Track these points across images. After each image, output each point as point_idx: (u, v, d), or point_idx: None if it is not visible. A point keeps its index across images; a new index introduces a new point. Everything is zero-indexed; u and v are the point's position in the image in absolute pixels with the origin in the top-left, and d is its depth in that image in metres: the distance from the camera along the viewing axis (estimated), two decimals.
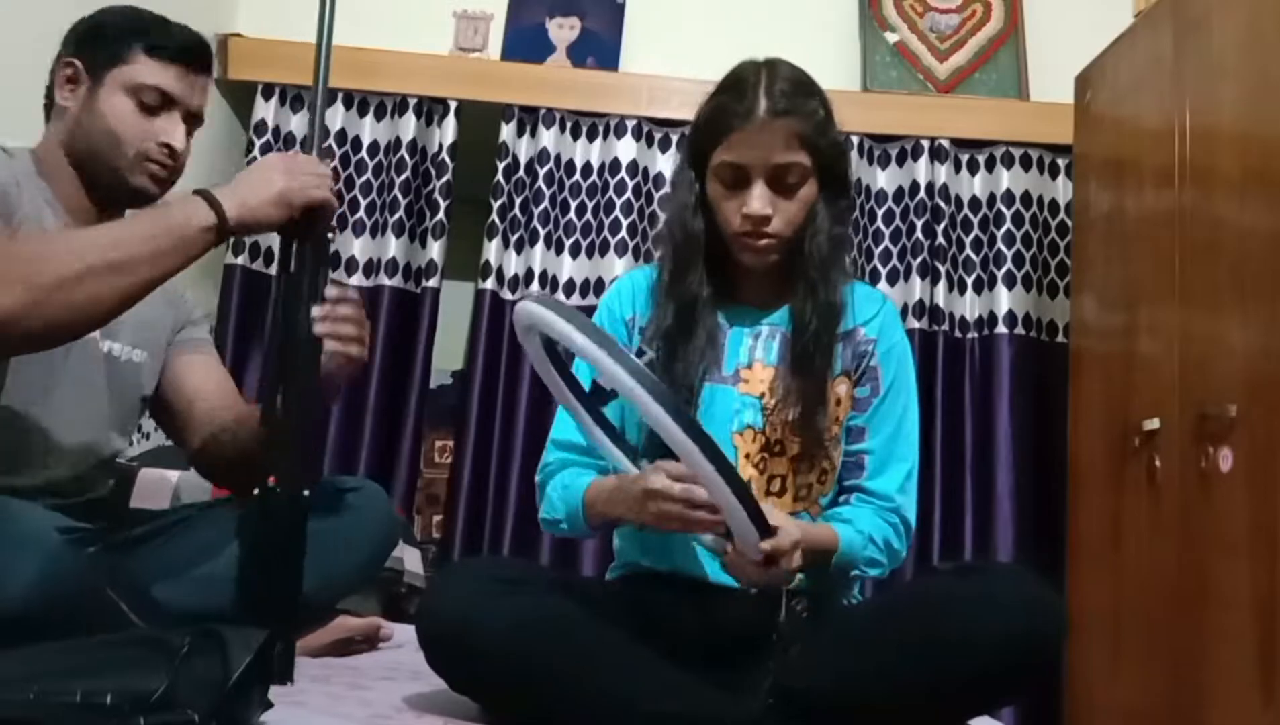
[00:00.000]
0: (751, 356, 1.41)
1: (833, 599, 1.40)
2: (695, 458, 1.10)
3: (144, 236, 1.27)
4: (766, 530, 1.17)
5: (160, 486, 2.09)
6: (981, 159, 3.13)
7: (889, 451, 1.41)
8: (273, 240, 3.11)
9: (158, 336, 1.66)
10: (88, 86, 1.54)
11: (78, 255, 1.22)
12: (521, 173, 3.11)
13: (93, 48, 1.55)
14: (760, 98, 1.33)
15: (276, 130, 3.14)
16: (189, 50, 1.55)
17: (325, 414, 2.74)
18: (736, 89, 1.36)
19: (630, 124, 3.13)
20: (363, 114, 3.17)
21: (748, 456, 1.37)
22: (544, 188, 3.11)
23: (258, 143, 3.12)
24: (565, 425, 1.48)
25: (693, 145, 1.42)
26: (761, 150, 1.33)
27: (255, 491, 1.19)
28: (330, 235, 1.39)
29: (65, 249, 1.24)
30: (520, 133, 3.13)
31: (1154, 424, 2.21)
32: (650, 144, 3.16)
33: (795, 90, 1.35)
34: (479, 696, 1.21)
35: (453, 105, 3.13)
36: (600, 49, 3.20)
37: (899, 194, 3.11)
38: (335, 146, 3.13)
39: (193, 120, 1.57)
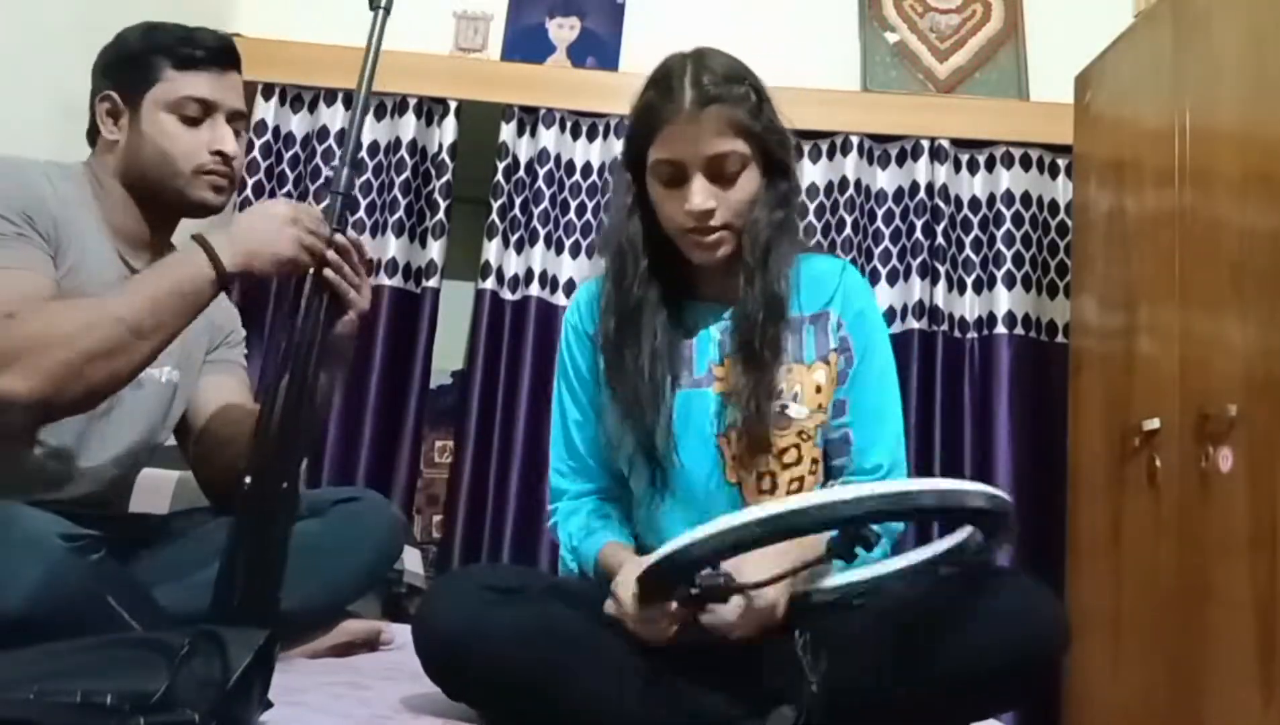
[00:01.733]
0: (721, 353, 1.37)
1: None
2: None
3: (152, 301, 1.27)
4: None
5: (160, 486, 2.09)
6: (981, 159, 3.13)
7: (873, 421, 1.37)
8: None
9: (194, 356, 1.65)
10: (128, 115, 1.53)
11: (92, 330, 1.23)
12: (521, 173, 3.11)
13: (122, 75, 1.55)
14: (686, 89, 1.29)
15: (276, 130, 3.14)
16: (216, 52, 1.56)
17: (324, 421, 2.72)
18: (663, 84, 1.32)
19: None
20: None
21: (735, 458, 1.33)
22: (544, 188, 3.11)
23: (258, 143, 3.12)
24: (560, 449, 1.46)
25: (628, 146, 1.38)
26: (694, 143, 1.29)
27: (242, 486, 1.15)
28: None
29: (81, 324, 1.24)
30: (520, 133, 3.14)
31: (1154, 424, 2.21)
32: None
33: (723, 78, 1.30)
34: (477, 705, 1.20)
35: (453, 105, 3.13)
36: (600, 49, 3.20)
37: (899, 194, 3.11)
38: (335, 146, 3.13)
39: (237, 119, 1.57)
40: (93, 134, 1.59)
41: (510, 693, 1.14)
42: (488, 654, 1.13)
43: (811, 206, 3.08)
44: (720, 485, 1.34)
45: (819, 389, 1.35)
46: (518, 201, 3.10)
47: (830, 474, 1.40)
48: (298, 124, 3.16)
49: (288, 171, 3.14)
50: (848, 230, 3.07)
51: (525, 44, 3.21)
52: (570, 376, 1.45)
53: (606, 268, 1.40)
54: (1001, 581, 1.19)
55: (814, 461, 1.36)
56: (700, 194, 1.29)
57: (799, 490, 1.34)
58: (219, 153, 1.53)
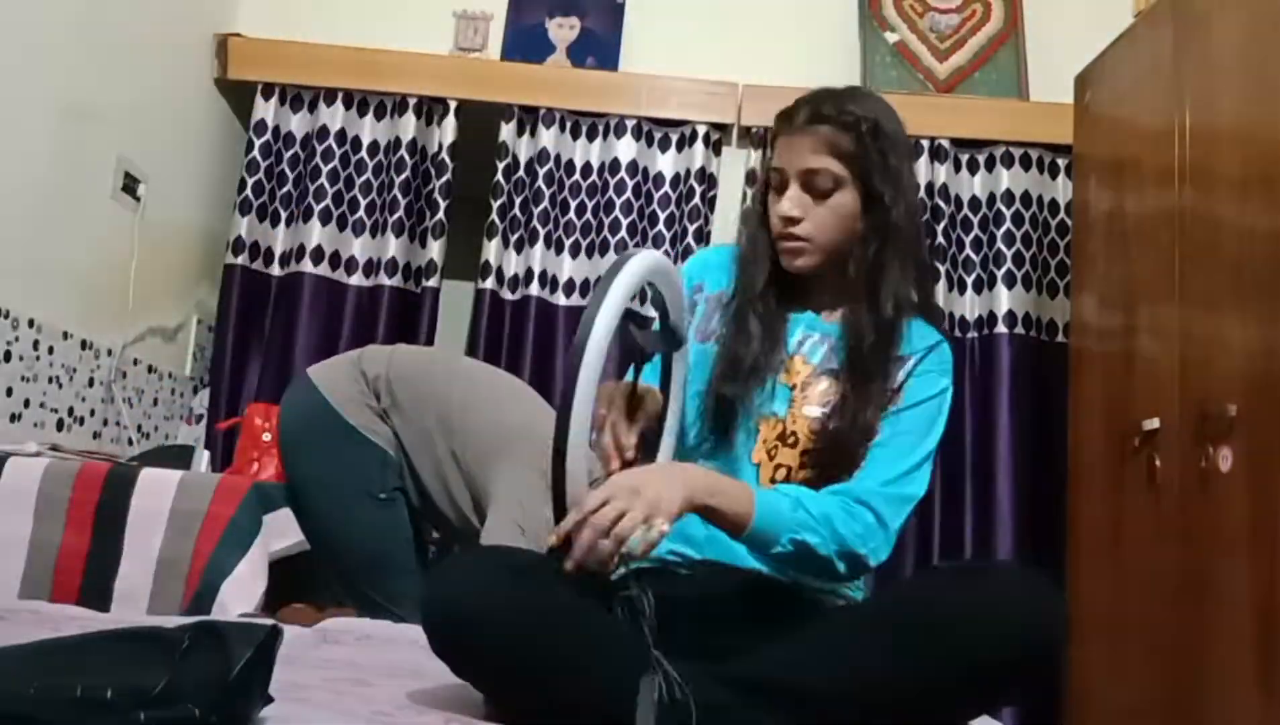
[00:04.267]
0: (798, 350, 1.44)
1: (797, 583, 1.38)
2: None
3: None
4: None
5: (160, 486, 2.09)
6: (981, 159, 3.13)
7: (887, 455, 1.36)
8: (274, 239, 3.12)
9: None
10: None
11: None
12: (521, 172, 3.11)
13: None
14: (804, 107, 1.41)
15: (276, 130, 3.14)
16: None
17: None
18: (796, 102, 1.44)
19: (630, 124, 3.13)
20: (363, 114, 3.17)
21: (763, 441, 1.39)
22: (544, 187, 3.11)
23: (257, 142, 3.12)
24: None
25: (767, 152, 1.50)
26: (795, 154, 1.40)
27: None
28: None
29: None
30: (520, 132, 3.14)
31: (1154, 424, 2.21)
32: (650, 144, 3.16)
33: (845, 103, 1.40)
34: (482, 684, 1.21)
35: (453, 105, 3.13)
36: (600, 49, 3.20)
37: None
38: (335, 146, 3.13)
39: None
40: None
41: (517, 671, 1.15)
42: (496, 631, 1.14)
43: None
44: (746, 462, 1.39)
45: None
46: (518, 201, 3.10)
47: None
48: (297, 124, 3.16)
49: (287, 171, 3.14)
50: None
51: (525, 44, 3.21)
52: None
53: (738, 251, 1.49)
54: (1001, 574, 1.20)
55: (830, 480, 1.37)
56: (789, 201, 1.40)
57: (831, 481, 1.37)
58: None
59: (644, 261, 1.24)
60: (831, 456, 1.36)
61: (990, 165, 3.13)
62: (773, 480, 1.38)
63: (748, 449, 1.39)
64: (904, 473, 1.37)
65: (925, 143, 3.09)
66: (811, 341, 1.45)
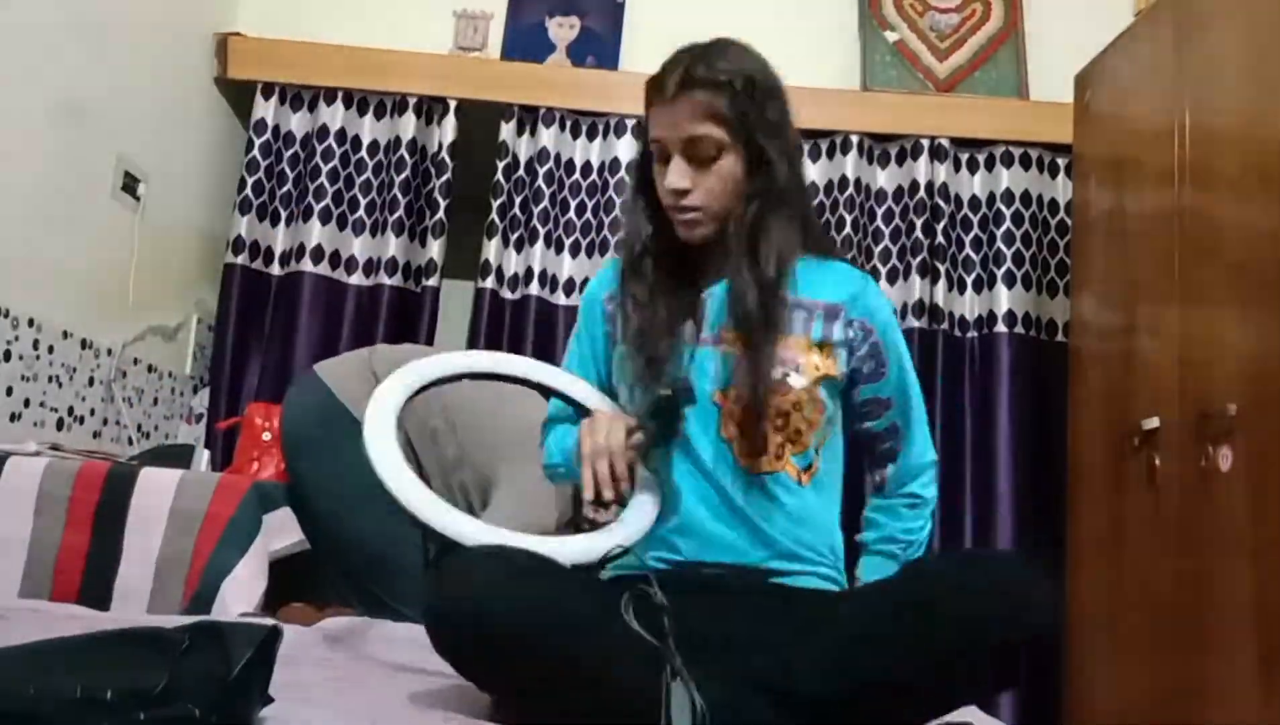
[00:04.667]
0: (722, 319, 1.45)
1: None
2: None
3: None
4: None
5: (160, 486, 2.09)
6: (981, 158, 3.13)
7: (914, 420, 1.50)
8: (274, 239, 3.12)
9: None
10: None
11: None
12: (521, 172, 3.11)
13: None
14: (674, 73, 1.37)
15: (276, 130, 3.14)
16: None
17: None
18: (663, 67, 1.41)
19: (630, 123, 3.13)
20: (362, 113, 3.16)
21: (729, 414, 1.39)
22: (544, 187, 3.11)
23: (257, 142, 3.12)
24: (553, 402, 1.57)
25: (641, 124, 1.47)
26: (673, 124, 1.36)
27: None
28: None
29: None
30: (520, 132, 3.14)
31: (1154, 423, 2.21)
32: None
33: (715, 61, 1.38)
34: (486, 682, 1.21)
35: (452, 104, 3.13)
36: (600, 48, 3.20)
37: (899, 193, 3.11)
38: (335, 145, 3.13)
39: None
40: None
41: (521, 669, 1.15)
42: (500, 629, 1.13)
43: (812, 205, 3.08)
44: (716, 439, 1.39)
45: (817, 367, 1.41)
46: (517, 200, 3.10)
47: (876, 459, 1.52)
48: (297, 123, 3.15)
49: (287, 171, 3.14)
50: (847, 229, 3.07)
51: (525, 43, 3.21)
52: (580, 337, 1.56)
53: (622, 240, 1.48)
54: (997, 559, 1.21)
55: (797, 431, 1.40)
56: (675, 172, 1.37)
57: (782, 455, 1.40)
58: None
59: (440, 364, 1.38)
60: (748, 419, 1.37)
61: (990, 165, 3.13)
62: (748, 452, 1.39)
63: (711, 429, 1.39)
64: (926, 423, 1.52)
65: (925, 142, 3.09)
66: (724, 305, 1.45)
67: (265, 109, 3.14)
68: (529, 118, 3.14)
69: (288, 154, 3.14)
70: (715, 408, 1.39)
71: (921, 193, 3.07)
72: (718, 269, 1.44)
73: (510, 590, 1.15)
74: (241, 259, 3.08)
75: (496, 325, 3.05)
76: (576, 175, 3.13)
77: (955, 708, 1.21)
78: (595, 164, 3.14)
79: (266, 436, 2.45)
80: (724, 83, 1.36)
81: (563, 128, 3.15)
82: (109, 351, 2.67)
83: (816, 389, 1.40)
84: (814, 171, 3.11)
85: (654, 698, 1.11)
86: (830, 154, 3.13)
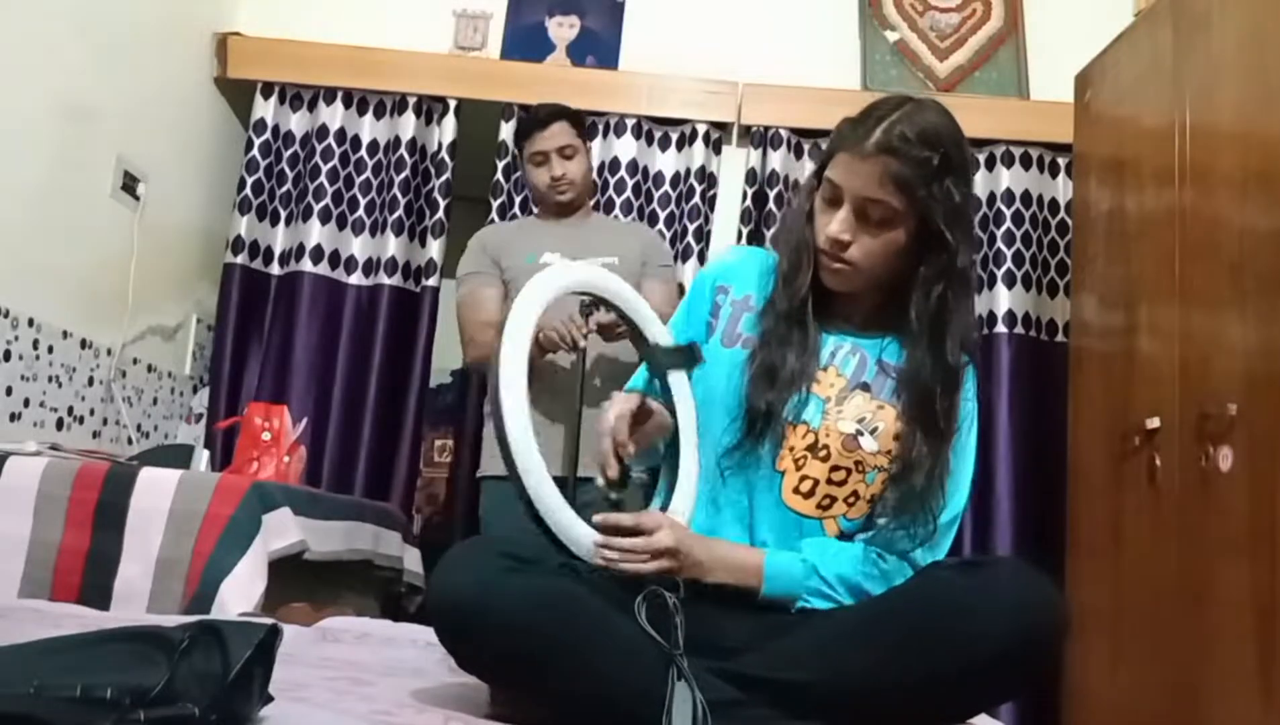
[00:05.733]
0: (830, 361, 1.42)
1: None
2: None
3: None
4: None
5: (160, 486, 2.09)
6: (982, 158, 3.13)
7: (956, 484, 1.39)
8: (274, 239, 3.12)
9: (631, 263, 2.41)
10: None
11: None
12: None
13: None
14: (877, 130, 1.32)
15: (276, 129, 3.14)
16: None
17: None
18: (866, 115, 1.37)
19: (630, 123, 3.13)
20: (362, 112, 3.16)
21: (791, 449, 1.37)
22: None
23: (257, 141, 3.12)
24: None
25: (821, 154, 1.44)
26: (858, 178, 1.33)
27: None
28: None
29: None
30: None
31: (1154, 423, 2.21)
32: (650, 143, 3.15)
33: (916, 135, 1.33)
34: (486, 673, 1.21)
35: (452, 104, 3.13)
36: (600, 48, 3.20)
37: None
38: (335, 145, 3.13)
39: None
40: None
41: (518, 663, 1.15)
42: (498, 621, 1.14)
43: None
44: (770, 468, 1.37)
45: (896, 437, 1.37)
46: (517, 200, 3.10)
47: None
48: (297, 123, 3.16)
49: (287, 170, 3.14)
50: None
51: (525, 42, 3.21)
52: (687, 310, 1.54)
53: (781, 257, 1.45)
54: (999, 569, 1.20)
55: (854, 493, 1.37)
56: (840, 223, 1.34)
57: (829, 507, 1.37)
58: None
59: (560, 275, 1.32)
60: (901, 503, 1.34)
61: (990, 164, 3.13)
62: (796, 491, 1.36)
63: (773, 456, 1.37)
64: (954, 518, 1.39)
65: None
66: (844, 352, 1.42)
67: (265, 109, 3.14)
68: None
69: (287, 154, 3.14)
70: (781, 437, 1.37)
71: None
72: (845, 317, 1.43)
73: (511, 582, 1.16)
74: (241, 259, 3.08)
75: None
76: None
77: (965, 718, 1.21)
78: (595, 164, 3.14)
79: (266, 436, 2.44)
80: (922, 160, 1.31)
81: None
82: (109, 351, 2.67)
83: (885, 459, 1.36)
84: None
85: (652, 694, 1.11)
86: None
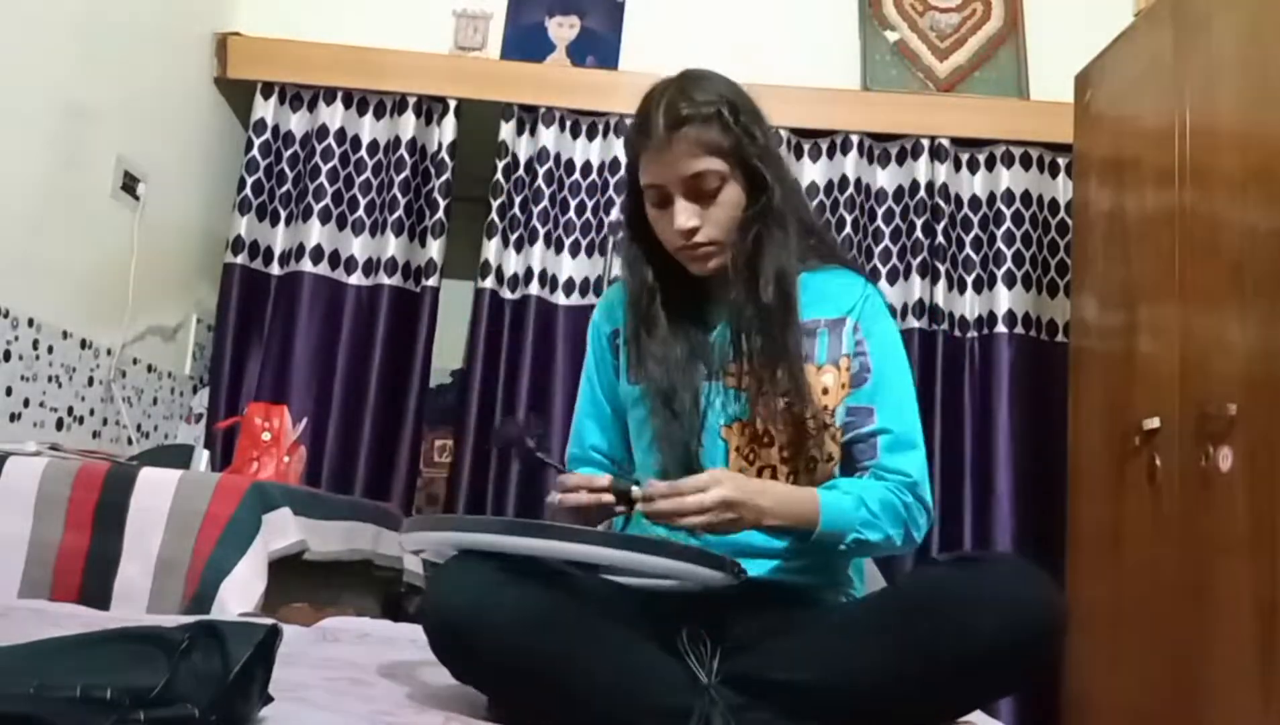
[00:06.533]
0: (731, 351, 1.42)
1: (829, 588, 1.40)
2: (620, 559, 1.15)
3: None
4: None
5: (160, 486, 2.09)
6: (981, 158, 3.13)
7: (902, 432, 1.40)
8: (274, 239, 3.12)
9: None
10: None
11: None
12: (521, 171, 3.11)
13: None
14: (659, 116, 1.34)
15: (276, 129, 3.14)
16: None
17: None
18: (641, 112, 1.39)
19: (630, 122, 3.13)
20: (362, 112, 3.17)
21: (737, 449, 1.38)
22: (544, 187, 3.11)
23: (256, 141, 3.12)
24: (579, 436, 1.55)
25: (628, 172, 1.46)
26: (670, 166, 1.35)
27: None
28: None
29: None
30: (520, 131, 3.14)
31: (1154, 423, 2.21)
32: None
33: (694, 99, 1.35)
34: (483, 686, 1.21)
35: (452, 104, 3.13)
36: (600, 48, 3.20)
37: (899, 193, 3.11)
38: (335, 145, 3.13)
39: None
40: None
41: (514, 674, 1.15)
42: (493, 633, 1.13)
43: (811, 206, 3.08)
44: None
45: (825, 391, 1.38)
46: (517, 200, 3.10)
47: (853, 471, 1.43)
48: (297, 123, 3.16)
49: (287, 171, 3.14)
50: (848, 229, 3.07)
51: (525, 42, 3.21)
52: (590, 372, 1.56)
53: (629, 289, 1.46)
54: (996, 565, 1.20)
55: (812, 459, 1.38)
56: (683, 214, 1.35)
57: (795, 484, 1.37)
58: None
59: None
60: (755, 452, 1.36)
61: (990, 164, 3.13)
62: (760, 476, 1.38)
63: (720, 465, 1.37)
64: (915, 437, 1.42)
65: (925, 142, 3.09)
66: (729, 335, 1.42)
67: (265, 109, 3.14)
68: (529, 117, 3.14)
69: (287, 154, 3.14)
70: (723, 443, 1.38)
71: (922, 193, 3.07)
72: (725, 302, 1.42)
73: (505, 596, 1.15)
74: (241, 259, 3.08)
75: (496, 325, 3.05)
76: (576, 175, 3.14)
77: (962, 714, 1.21)
78: (595, 164, 3.14)
79: (266, 436, 2.44)
80: (712, 114, 1.34)
81: (562, 128, 3.15)
82: (108, 351, 2.67)
83: (829, 415, 1.37)
84: (814, 172, 3.10)
85: (647, 705, 1.11)
86: (830, 154, 3.13)
